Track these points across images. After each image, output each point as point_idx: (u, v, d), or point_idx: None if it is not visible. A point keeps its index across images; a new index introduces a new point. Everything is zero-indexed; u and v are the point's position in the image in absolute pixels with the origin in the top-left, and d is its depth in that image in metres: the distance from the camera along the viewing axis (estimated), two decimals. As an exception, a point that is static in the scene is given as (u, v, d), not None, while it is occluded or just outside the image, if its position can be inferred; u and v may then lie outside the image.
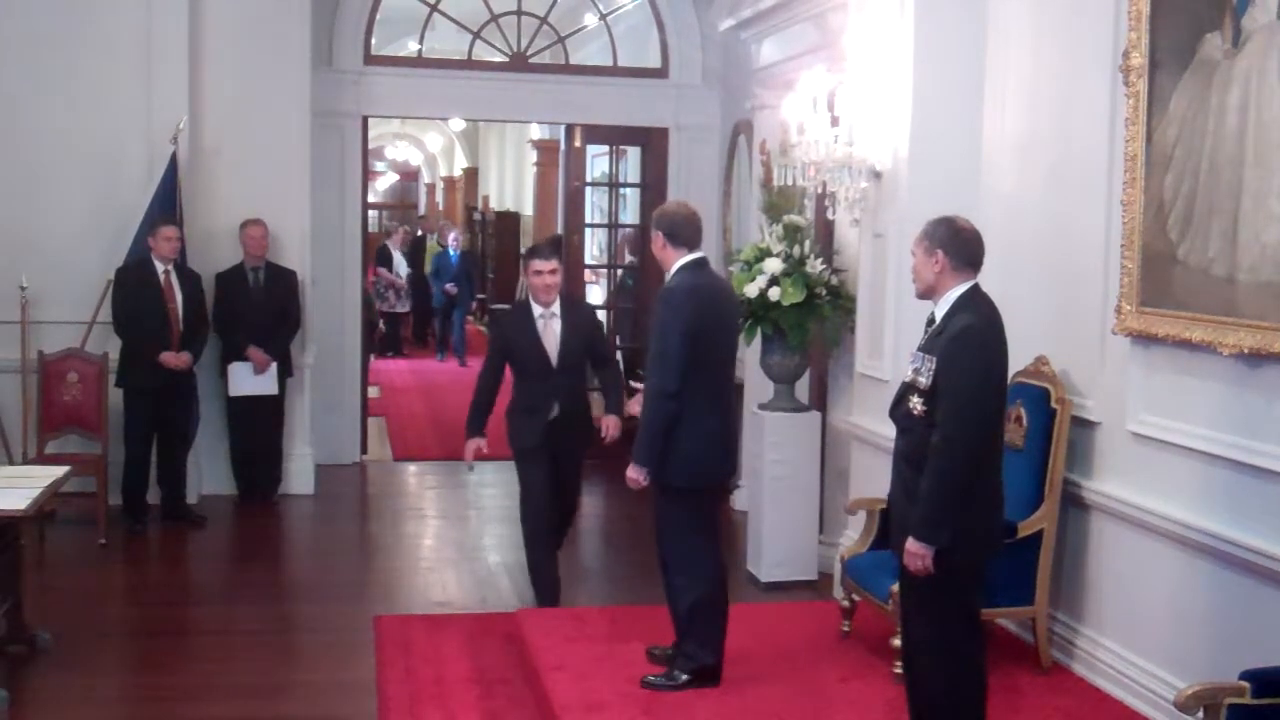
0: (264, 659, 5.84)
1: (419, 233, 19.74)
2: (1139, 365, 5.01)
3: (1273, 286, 4.28)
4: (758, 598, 6.68)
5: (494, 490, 9.72)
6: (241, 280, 8.34)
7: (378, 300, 16.94)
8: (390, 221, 21.50)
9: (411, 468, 10.14)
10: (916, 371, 4.19)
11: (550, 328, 6.34)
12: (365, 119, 9.84)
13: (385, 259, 17.07)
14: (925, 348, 4.21)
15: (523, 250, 19.73)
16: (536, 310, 6.35)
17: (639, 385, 6.04)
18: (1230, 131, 4.46)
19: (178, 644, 6.00)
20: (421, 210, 30.85)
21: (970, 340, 4.08)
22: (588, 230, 10.82)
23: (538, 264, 6.34)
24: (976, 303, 4.19)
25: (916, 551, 4.10)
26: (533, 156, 18.37)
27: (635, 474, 5.09)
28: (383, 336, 16.78)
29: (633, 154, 11.01)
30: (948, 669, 4.25)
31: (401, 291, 16.96)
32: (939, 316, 4.22)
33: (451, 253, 16.59)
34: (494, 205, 21.63)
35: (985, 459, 4.15)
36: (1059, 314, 5.54)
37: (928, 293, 4.28)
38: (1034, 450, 5.37)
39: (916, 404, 4.18)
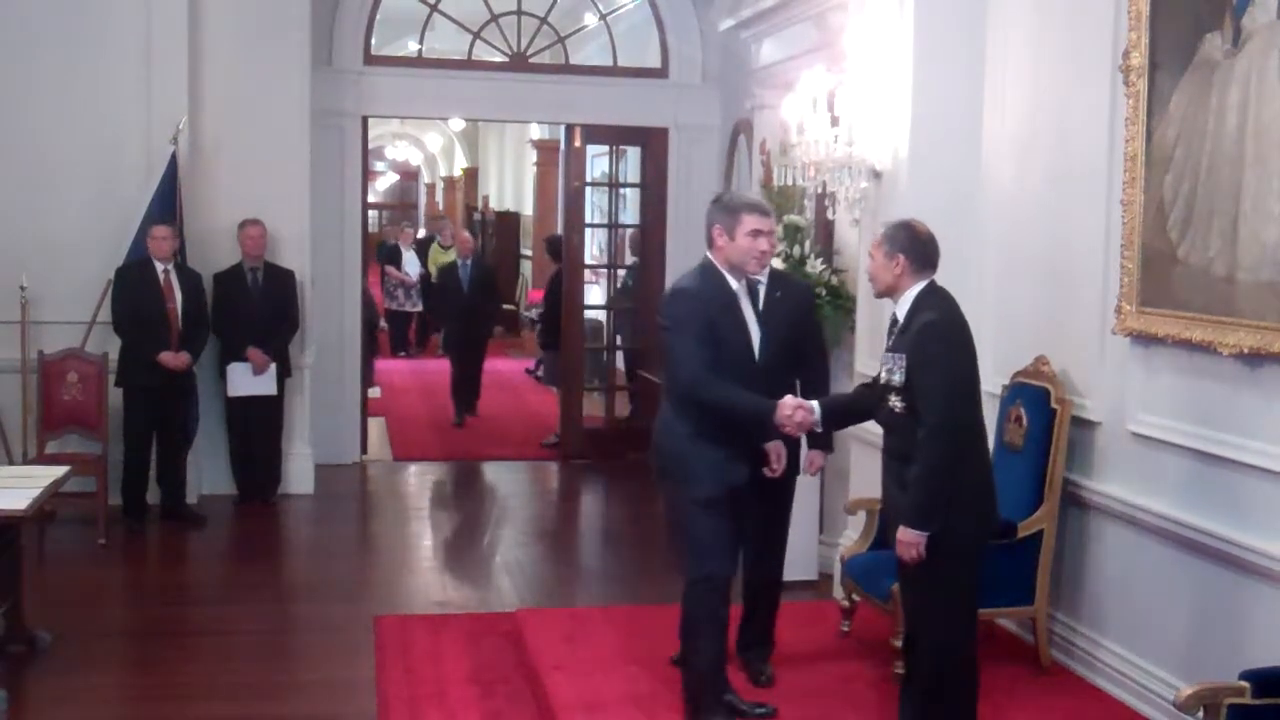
0: (264, 659, 5.84)
1: (420, 233, 19.54)
2: (1139, 365, 5.01)
3: (1272, 286, 4.28)
4: (758, 598, 6.67)
5: (494, 490, 9.74)
6: (240, 280, 8.34)
7: (387, 299, 16.88)
8: (401, 222, 21.28)
9: (411, 468, 10.13)
10: (890, 371, 4.33)
11: (746, 306, 4.89)
12: (365, 119, 9.83)
13: (394, 257, 16.97)
14: (894, 347, 4.34)
15: (516, 249, 19.88)
16: (732, 282, 4.86)
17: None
18: (1230, 131, 4.46)
19: (178, 644, 5.99)
20: (421, 209, 30.87)
21: (933, 334, 4.23)
22: (588, 230, 10.81)
23: (757, 221, 4.76)
24: (935, 298, 4.34)
25: (909, 540, 4.20)
26: (533, 156, 18.38)
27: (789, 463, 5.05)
28: (390, 336, 16.70)
29: (632, 154, 11.01)
30: (942, 661, 4.31)
31: (412, 290, 16.73)
32: (901, 315, 4.37)
33: (460, 263, 12.20)
34: (494, 205, 21.64)
35: (967, 443, 4.28)
36: (1059, 314, 5.54)
37: (886, 292, 4.44)
38: (1034, 450, 5.37)
39: (896, 403, 4.31)
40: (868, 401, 4.60)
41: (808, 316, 5.23)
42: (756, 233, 4.71)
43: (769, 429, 4.70)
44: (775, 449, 4.90)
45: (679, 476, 4.78)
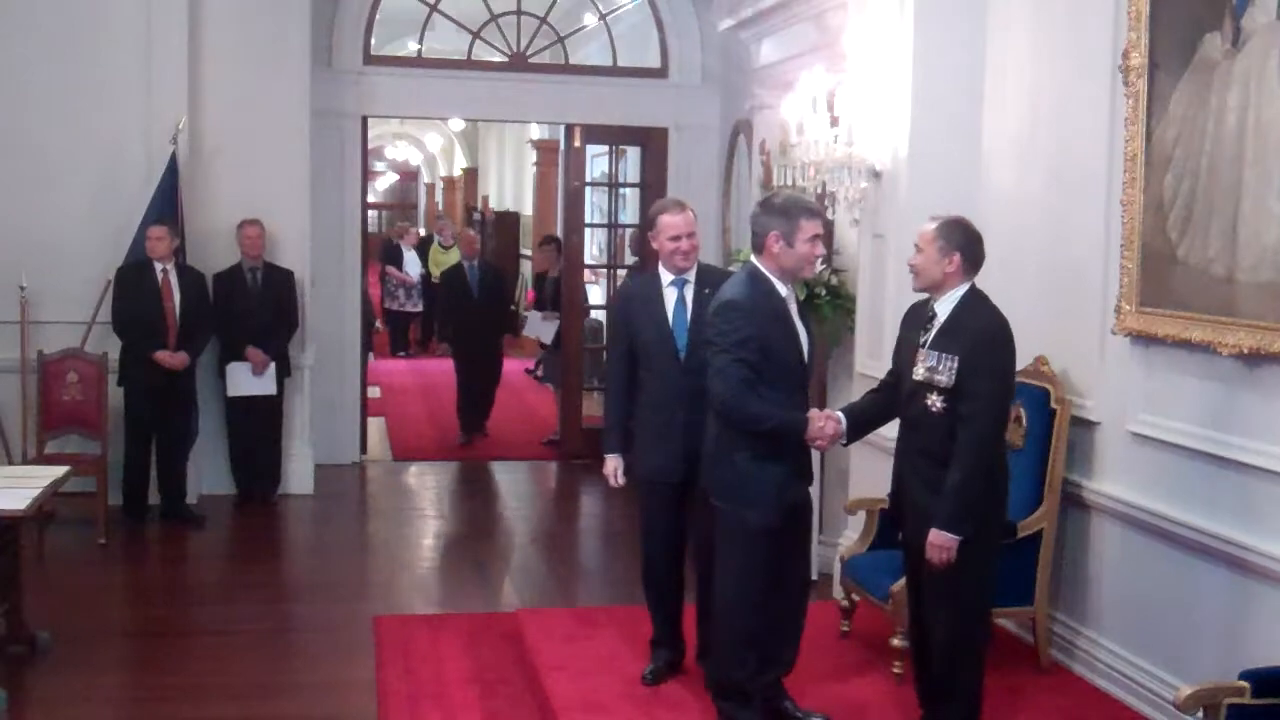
0: (264, 659, 5.84)
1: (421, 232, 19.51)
2: (1139, 365, 5.01)
3: (1272, 286, 4.28)
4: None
5: (493, 490, 9.74)
6: (239, 280, 8.34)
7: (387, 299, 16.87)
8: (402, 221, 21.25)
9: (411, 468, 10.13)
10: (933, 370, 4.26)
11: (794, 312, 4.60)
12: (365, 119, 9.84)
13: (395, 257, 16.97)
14: (939, 345, 4.26)
15: (526, 248, 19.84)
16: (781, 288, 4.55)
17: None
18: (1230, 132, 4.46)
19: (178, 644, 6.00)
20: (421, 209, 30.87)
21: (995, 341, 4.23)
22: (587, 230, 10.82)
23: (817, 226, 4.50)
24: (981, 302, 4.31)
25: (941, 544, 4.19)
26: (533, 156, 18.37)
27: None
28: (390, 336, 16.66)
29: (632, 154, 11.01)
30: (957, 659, 4.33)
31: (413, 290, 16.69)
32: (942, 314, 4.31)
33: (466, 265, 11.17)
34: (494, 205, 21.63)
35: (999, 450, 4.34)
36: (1059, 314, 5.54)
37: (929, 288, 4.37)
38: (1034, 450, 5.37)
39: (936, 401, 4.25)
40: (886, 404, 4.56)
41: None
42: (815, 238, 4.46)
43: (799, 444, 4.51)
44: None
45: (739, 501, 4.48)
